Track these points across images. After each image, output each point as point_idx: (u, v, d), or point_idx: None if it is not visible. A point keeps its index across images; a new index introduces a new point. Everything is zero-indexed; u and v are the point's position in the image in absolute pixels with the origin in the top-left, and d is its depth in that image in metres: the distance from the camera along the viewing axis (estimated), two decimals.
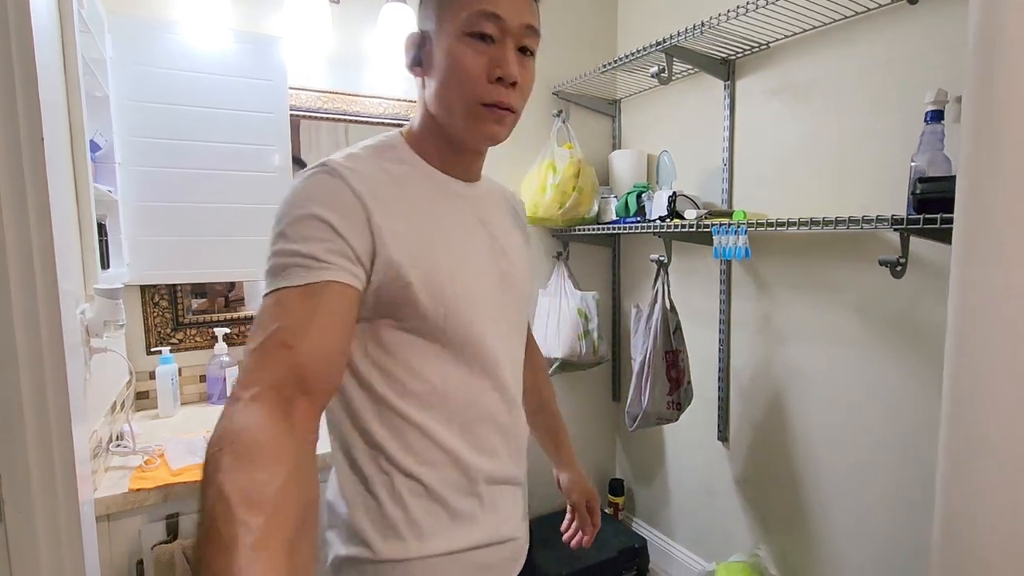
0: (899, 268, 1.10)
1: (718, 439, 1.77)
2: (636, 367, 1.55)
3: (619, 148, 2.07)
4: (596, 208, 1.92)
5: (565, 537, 1.03)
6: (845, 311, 1.40)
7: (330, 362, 0.54)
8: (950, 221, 0.92)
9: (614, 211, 1.84)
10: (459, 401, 0.66)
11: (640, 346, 1.57)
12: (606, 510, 2.17)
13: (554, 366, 1.84)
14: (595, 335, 1.88)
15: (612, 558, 1.77)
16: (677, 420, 1.59)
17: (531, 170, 1.91)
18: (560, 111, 1.91)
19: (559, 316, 1.87)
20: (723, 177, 1.65)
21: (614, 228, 1.73)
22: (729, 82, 1.62)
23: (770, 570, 1.51)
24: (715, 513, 1.80)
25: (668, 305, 1.56)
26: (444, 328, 0.63)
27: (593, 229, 1.81)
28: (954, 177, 0.86)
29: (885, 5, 1.23)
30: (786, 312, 1.54)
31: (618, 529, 1.92)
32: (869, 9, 1.26)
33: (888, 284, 1.29)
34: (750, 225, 1.31)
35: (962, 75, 0.84)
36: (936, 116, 1.10)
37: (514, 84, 0.63)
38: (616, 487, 2.13)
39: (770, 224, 1.28)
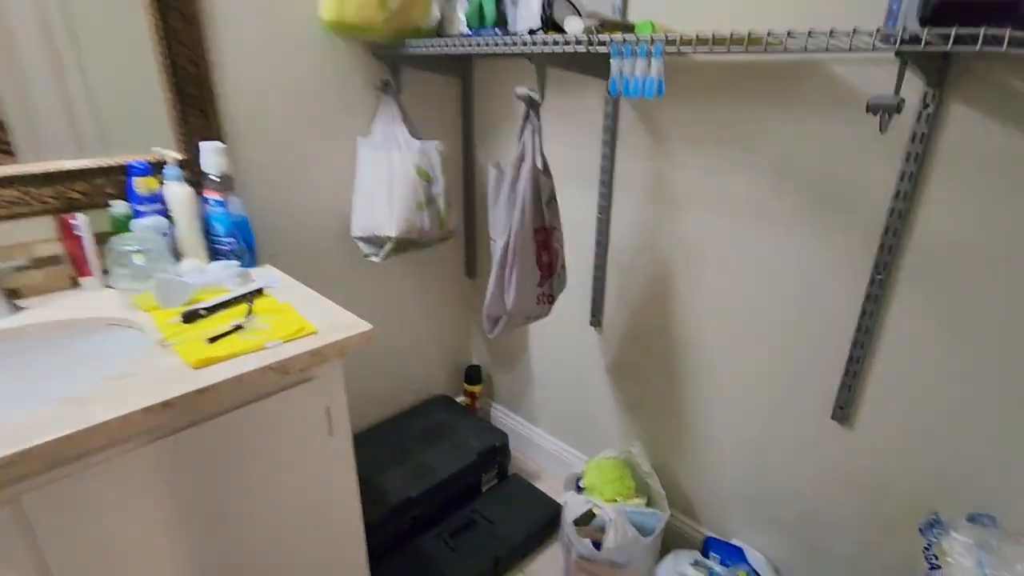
0: (889, 116, 0.74)
1: (591, 324, 1.49)
2: (497, 253, 1.13)
3: None
4: (437, 15, 1.30)
5: None
6: (762, 174, 1.07)
7: None
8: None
9: (463, 20, 1.25)
10: None
11: (501, 223, 1.13)
12: (459, 399, 1.90)
13: (386, 248, 1.35)
14: (441, 202, 1.39)
15: (470, 464, 1.52)
16: (549, 315, 1.24)
17: None
18: None
19: (390, 177, 1.33)
20: None
21: (464, 45, 1.16)
22: None
23: (643, 467, 1.35)
24: (586, 405, 1.60)
25: (540, 164, 1.10)
26: None
27: (434, 46, 1.21)
28: None
29: None
30: (684, 173, 1.18)
31: (476, 427, 1.67)
32: None
33: (826, 138, 0.96)
34: (668, 44, 0.85)
35: None
36: None
37: None
38: (472, 375, 1.85)
39: (699, 41, 0.83)
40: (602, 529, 1.25)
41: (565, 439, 1.70)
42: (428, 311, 1.74)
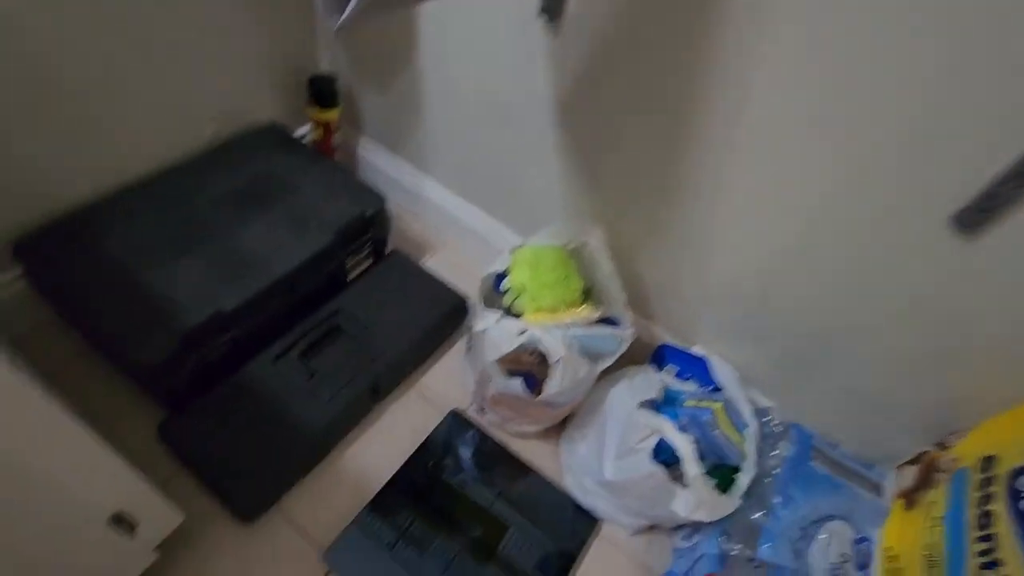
0: None
1: (540, 12, 0.79)
2: None
3: None
4: None
5: None
6: None
7: None
8: None
9: None
10: None
11: None
12: (301, 132, 1.19)
13: None
14: None
15: (325, 249, 0.94)
16: None
17: None
18: None
19: None
20: None
21: None
22: None
23: (603, 266, 0.88)
24: (515, 152, 1.00)
25: None
26: None
27: None
28: None
29: None
30: None
31: (332, 180, 1.03)
32: None
33: None
34: None
35: None
36: None
37: None
38: (323, 91, 1.10)
39: None
40: (535, 352, 0.83)
41: (477, 202, 1.15)
42: None
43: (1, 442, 0.44)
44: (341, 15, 0.55)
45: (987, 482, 0.64)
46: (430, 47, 0.98)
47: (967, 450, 0.71)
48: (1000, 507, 0.60)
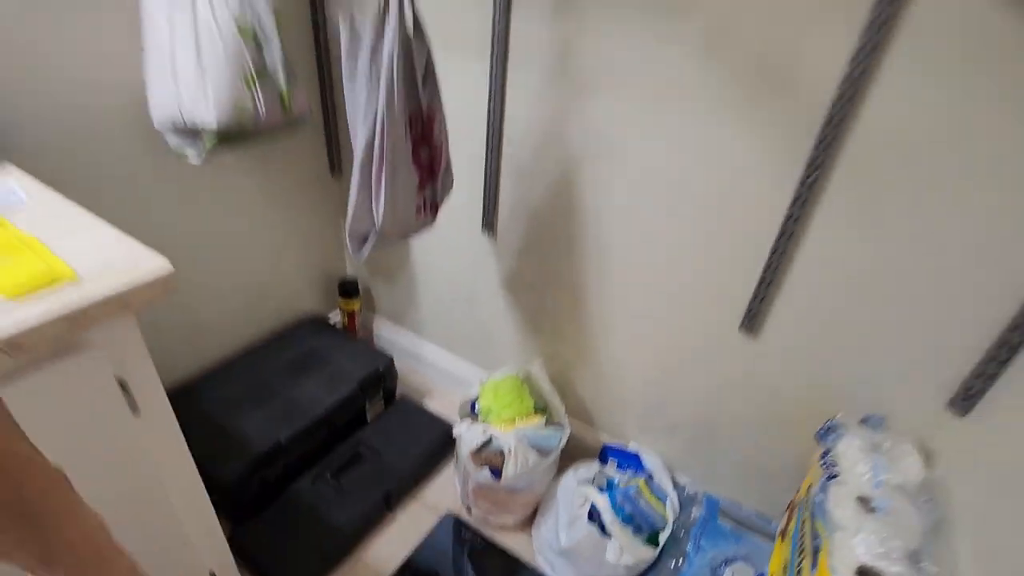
0: None
1: (483, 229, 1.28)
2: (359, 150, 0.84)
3: None
4: None
5: None
6: (688, 47, 0.86)
7: None
8: None
9: None
10: None
11: (361, 107, 0.83)
12: (333, 318, 1.65)
13: (204, 141, 0.99)
14: (280, 75, 1.03)
15: (350, 395, 1.32)
16: (434, 224, 1.01)
17: None
18: None
19: (197, 43, 0.93)
20: None
21: None
22: None
23: (543, 385, 1.25)
24: (480, 319, 1.43)
25: (411, 22, 0.80)
26: None
27: None
28: None
29: None
30: (595, 46, 0.94)
31: (355, 350, 1.45)
32: None
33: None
34: None
35: None
36: None
37: None
38: (348, 289, 1.59)
39: None
40: (500, 452, 1.15)
41: (458, 353, 1.56)
42: (284, 219, 1.41)
43: (164, 501, 0.78)
44: (363, 249, 1.00)
45: (805, 503, 0.93)
46: (418, 256, 1.47)
47: (803, 486, 1.00)
48: (807, 514, 0.89)
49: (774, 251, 0.92)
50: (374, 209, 0.87)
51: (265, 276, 1.44)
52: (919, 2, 0.69)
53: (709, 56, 0.86)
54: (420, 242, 1.44)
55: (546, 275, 1.24)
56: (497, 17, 1.00)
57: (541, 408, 1.28)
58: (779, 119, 0.84)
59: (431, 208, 0.96)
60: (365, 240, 0.93)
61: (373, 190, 0.86)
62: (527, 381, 1.29)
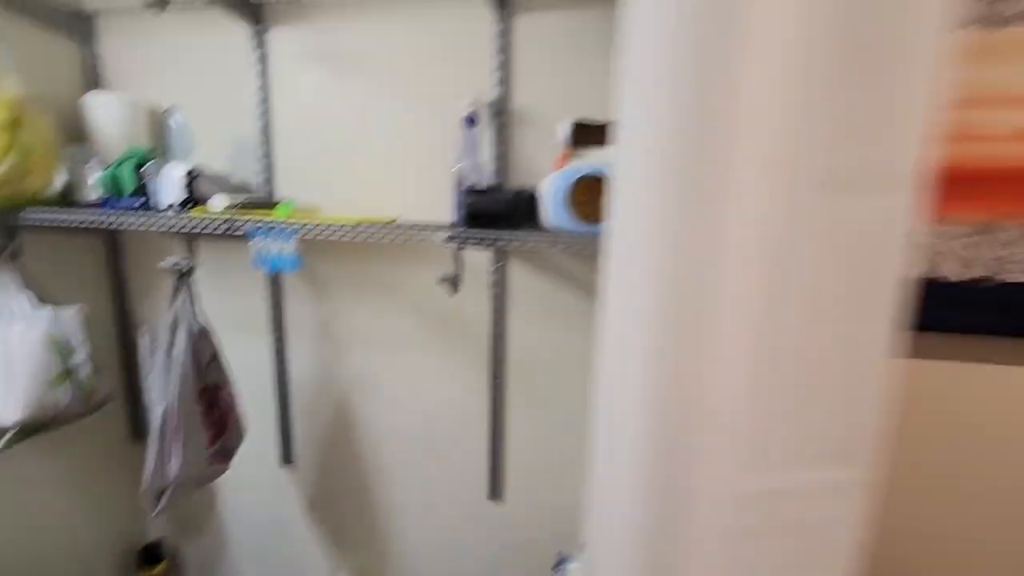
0: (455, 285, 1.06)
1: (283, 464, 1.50)
2: (156, 422, 1.09)
3: (99, 89, 1.40)
4: (63, 180, 1.24)
5: None
6: (404, 313, 1.33)
7: None
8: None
9: (96, 186, 1.23)
10: None
11: (159, 389, 1.10)
12: None
13: (5, 438, 1.14)
14: (84, 372, 1.25)
15: None
16: (228, 469, 1.22)
17: None
18: None
19: (6, 355, 1.15)
20: (261, 153, 1.30)
21: (97, 218, 1.14)
22: (260, 27, 1.25)
23: None
24: (290, 550, 1.55)
25: (197, 328, 1.14)
26: None
27: (63, 221, 1.15)
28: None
29: None
30: (347, 317, 1.37)
31: None
32: None
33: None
34: (302, 228, 1.04)
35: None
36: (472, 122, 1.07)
37: None
38: (152, 556, 1.59)
39: (327, 225, 1.03)
40: None
41: None
42: (78, 494, 1.47)
43: None
44: (158, 504, 1.15)
45: None
46: (225, 498, 1.59)
47: None
48: None
49: (493, 434, 1.31)
50: (167, 467, 1.08)
51: (49, 560, 1.42)
52: (515, 289, 1.23)
53: (419, 317, 1.32)
54: (224, 486, 1.58)
55: (344, 495, 1.47)
56: (273, 305, 1.39)
57: None
58: (466, 347, 1.30)
59: (224, 456, 1.19)
60: (160, 496, 1.10)
61: (167, 454, 1.08)
62: None
